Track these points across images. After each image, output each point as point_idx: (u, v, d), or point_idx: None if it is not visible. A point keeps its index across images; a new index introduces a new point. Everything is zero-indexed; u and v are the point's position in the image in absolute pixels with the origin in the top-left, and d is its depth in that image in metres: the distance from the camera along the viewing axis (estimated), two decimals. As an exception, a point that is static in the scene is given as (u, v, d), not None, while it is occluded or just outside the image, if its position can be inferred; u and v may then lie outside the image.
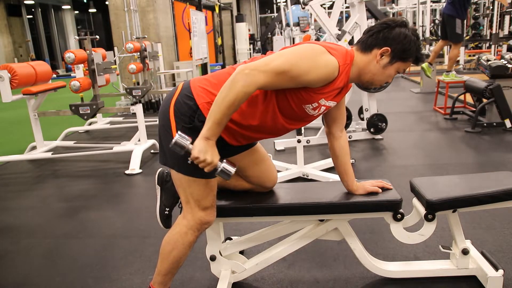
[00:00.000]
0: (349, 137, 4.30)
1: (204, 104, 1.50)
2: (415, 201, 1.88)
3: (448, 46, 8.48)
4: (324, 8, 9.62)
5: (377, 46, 1.51)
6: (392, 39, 1.49)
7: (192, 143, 1.41)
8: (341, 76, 1.49)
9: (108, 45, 13.78)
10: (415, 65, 1.63)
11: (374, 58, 1.52)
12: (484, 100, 4.61)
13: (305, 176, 3.31)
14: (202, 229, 1.61)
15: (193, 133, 1.50)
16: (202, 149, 1.38)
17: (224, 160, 1.44)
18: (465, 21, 5.73)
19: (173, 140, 1.39)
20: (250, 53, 15.79)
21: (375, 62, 1.53)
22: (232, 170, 1.42)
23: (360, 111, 4.67)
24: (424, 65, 5.82)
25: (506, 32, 8.49)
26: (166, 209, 1.80)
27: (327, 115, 1.73)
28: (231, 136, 1.58)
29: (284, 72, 1.40)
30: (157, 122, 1.62)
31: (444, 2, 6.45)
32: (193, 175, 1.53)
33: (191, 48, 7.61)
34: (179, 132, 1.41)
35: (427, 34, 9.53)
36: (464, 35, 7.35)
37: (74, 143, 4.77)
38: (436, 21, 11.65)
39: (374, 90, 4.21)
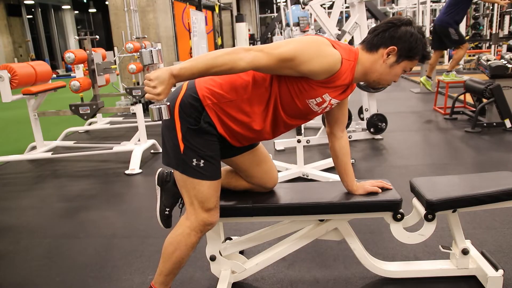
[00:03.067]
0: (349, 137, 4.30)
1: (210, 105, 1.50)
2: (415, 201, 1.88)
3: (448, 51, 8.48)
4: (324, 8, 9.61)
5: (383, 46, 1.50)
6: (398, 38, 1.48)
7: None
8: (345, 72, 1.48)
9: (108, 45, 13.77)
10: (421, 63, 1.63)
11: (380, 58, 1.51)
12: (484, 100, 4.61)
13: (305, 176, 3.31)
14: (205, 230, 1.61)
15: (199, 134, 1.50)
16: (161, 78, 1.32)
17: (168, 103, 1.39)
18: (459, 24, 5.73)
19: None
20: (250, 53, 15.76)
21: (382, 61, 1.51)
22: (167, 116, 1.37)
23: (360, 111, 4.67)
24: (422, 78, 5.90)
25: (506, 32, 8.48)
26: (166, 209, 1.80)
27: (329, 115, 1.73)
28: (233, 137, 1.58)
29: (288, 59, 1.40)
30: (157, 122, 1.62)
31: (444, 2, 6.45)
32: (197, 177, 1.53)
33: (191, 48, 7.62)
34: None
35: (427, 34, 9.52)
36: (465, 35, 7.35)
37: (74, 143, 4.77)
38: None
39: (374, 90, 4.21)
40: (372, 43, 1.53)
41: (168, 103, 1.39)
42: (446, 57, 9.99)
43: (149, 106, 1.38)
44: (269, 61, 1.39)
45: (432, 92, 5.94)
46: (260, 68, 1.41)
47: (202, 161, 1.51)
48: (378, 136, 4.42)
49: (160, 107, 1.36)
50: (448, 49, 9.26)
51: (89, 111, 4.08)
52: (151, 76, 1.33)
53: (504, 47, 8.06)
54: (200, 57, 1.37)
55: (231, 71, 1.39)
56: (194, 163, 1.51)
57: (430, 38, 6.02)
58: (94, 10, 25.59)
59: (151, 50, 1.38)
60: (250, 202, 1.75)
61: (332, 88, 1.51)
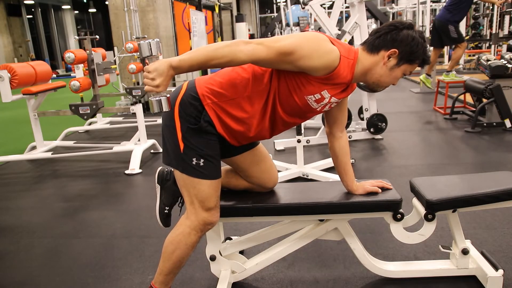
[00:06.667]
0: (349, 137, 4.30)
1: (210, 105, 1.50)
2: (415, 201, 1.88)
3: (449, 47, 8.47)
4: (324, 8, 9.61)
5: (384, 48, 1.51)
6: (400, 41, 1.49)
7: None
8: (344, 69, 1.48)
9: (108, 45, 13.78)
10: (420, 67, 1.63)
11: (381, 60, 1.52)
12: (484, 100, 4.61)
13: (305, 176, 3.31)
14: (206, 230, 1.62)
15: (198, 133, 1.51)
16: (160, 70, 1.31)
17: (168, 95, 1.38)
18: (459, 23, 5.78)
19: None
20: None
21: (382, 63, 1.52)
22: (167, 108, 1.37)
23: (360, 111, 4.67)
24: (422, 77, 5.93)
25: (506, 32, 8.47)
26: (166, 208, 1.81)
27: (328, 114, 1.73)
28: (232, 136, 1.59)
29: (287, 53, 1.40)
30: (157, 122, 1.62)
31: (444, 2, 6.45)
32: (197, 176, 1.53)
33: (191, 48, 7.61)
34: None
35: (427, 34, 9.52)
36: (464, 35, 7.35)
37: (74, 143, 4.77)
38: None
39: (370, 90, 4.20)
40: (373, 44, 1.53)
41: (168, 95, 1.38)
42: (446, 57, 9.99)
43: (149, 98, 1.37)
44: (269, 54, 1.39)
45: (432, 92, 5.94)
46: (259, 61, 1.41)
47: (202, 160, 1.52)
48: (378, 136, 4.42)
49: (160, 99, 1.35)
50: (449, 49, 9.26)
51: (89, 111, 4.08)
52: (149, 68, 1.32)
53: (504, 47, 8.06)
54: (200, 49, 1.37)
55: (230, 64, 1.39)
56: (194, 162, 1.52)
57: (429, 37, 6.04)
58: (94, 10, 25.60)
59: (150, 42, 1.36)
60: (250, 202, 1.75)
61: (331, 85, 1.51)
